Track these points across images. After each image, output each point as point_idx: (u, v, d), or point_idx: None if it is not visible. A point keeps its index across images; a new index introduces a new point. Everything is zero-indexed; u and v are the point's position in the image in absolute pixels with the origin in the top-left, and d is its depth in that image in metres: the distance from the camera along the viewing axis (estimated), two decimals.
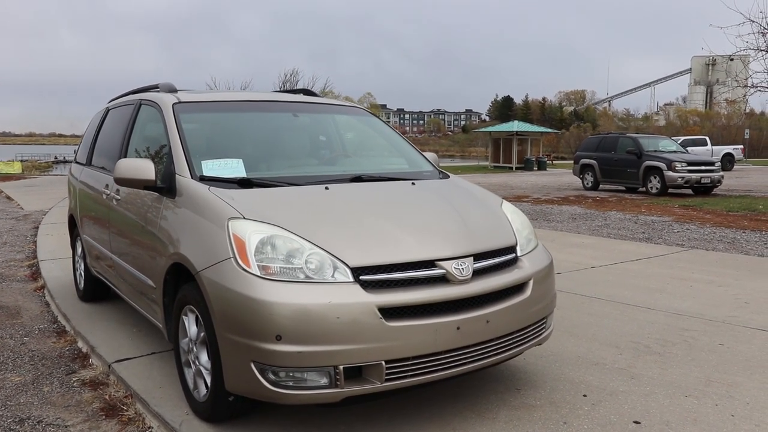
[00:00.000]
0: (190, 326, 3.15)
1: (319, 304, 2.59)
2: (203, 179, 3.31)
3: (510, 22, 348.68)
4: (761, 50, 16.19)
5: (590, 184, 19.69)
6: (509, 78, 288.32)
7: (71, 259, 6.07)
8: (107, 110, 5.25)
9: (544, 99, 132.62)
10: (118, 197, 4.14)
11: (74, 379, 3.96)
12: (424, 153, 4.46)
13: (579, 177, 20.25)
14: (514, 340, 3.10)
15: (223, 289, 2.74)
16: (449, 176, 4.09)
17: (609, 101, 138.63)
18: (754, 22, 16.24)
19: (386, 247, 2.85)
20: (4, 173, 33.65)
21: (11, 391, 3.78)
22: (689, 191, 17.49)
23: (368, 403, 3.01)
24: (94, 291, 5.40)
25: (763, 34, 16.07)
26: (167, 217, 3.37)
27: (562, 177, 27.72)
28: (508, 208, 3.65)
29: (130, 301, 4.23)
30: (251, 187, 3.26)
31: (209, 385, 2.98)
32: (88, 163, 5.30)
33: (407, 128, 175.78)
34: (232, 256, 2.77)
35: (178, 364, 3.36)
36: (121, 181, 3.49)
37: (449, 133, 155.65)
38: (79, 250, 5.59)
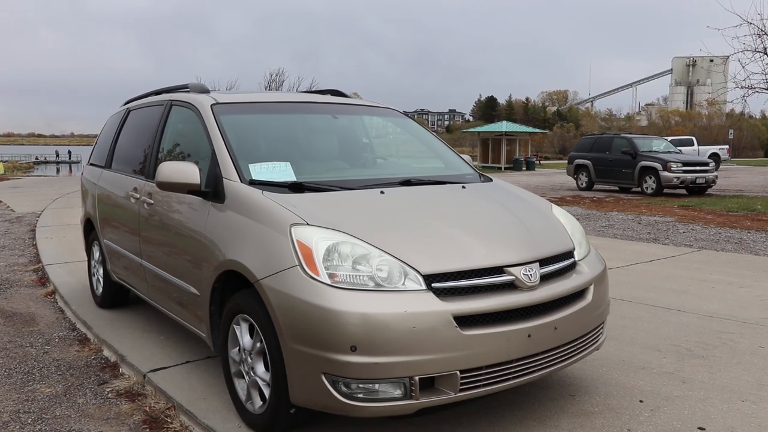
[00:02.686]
0: (243, 336, 3.04)
1: (395, 314, 2.51)
2: (253, 183, 3.21)
3: (493, 23, 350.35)
4: (758, 52, 16.36)
5: (585, 185, 19.76)
6: (492, 78, 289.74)
7: (86, 263, 5.92)
8: (128, 111, 5.11)
9: (527, 99, 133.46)
10: (150, 201, 4.01)
11: (108, 389, 3.83)
12: (461, 155, 4.39)
13: (573, 177, 20.31)
14: (578, 346, 3.04)
15: (290, 298, 2.64)
16: (491, 179, 4.02)
17: (591, 101, 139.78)
18: (751, 24, 16.41)
19: (456, 254, 2.78)
20: None
21: (45, 404, 3.65)
22: (683, 191, 17.61)
23: (435, 413, 2.92)
24: (114, 297, 5.26)
25: (760, 36, 16.24)
26: (214, 222, 3.26)
27: (552, 177, 27.82)
28: (559, 212, 3.60)
29: (163, 308, 4.10)
30: (303, 192, 3.16)
31: (268, 396, 2.88)
32: (108, 166, 5.16)
33: None
34: (297, 263, 2.67)
35: (227, 375, 3.25)
36: (164, 185, 3.37)
37: (434, 132, 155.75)
38: (97, 255, 5.44)
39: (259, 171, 3.29)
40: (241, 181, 3.22)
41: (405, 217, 3.02)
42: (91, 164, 5.71)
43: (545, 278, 2.93)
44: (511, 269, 2.80)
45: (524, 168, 35.52)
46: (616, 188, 19.44)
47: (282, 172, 3.31)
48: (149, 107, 4.61)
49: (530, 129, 43.27)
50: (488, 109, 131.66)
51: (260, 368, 2.95)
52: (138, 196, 4.23)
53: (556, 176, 27.81)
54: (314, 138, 3.97)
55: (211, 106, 3.72)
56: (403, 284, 2.63)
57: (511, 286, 2.79)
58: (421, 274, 2.65)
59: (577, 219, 11.61)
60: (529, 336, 2.73)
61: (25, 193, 19.19)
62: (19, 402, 3.67)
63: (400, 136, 4.47)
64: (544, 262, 2.96)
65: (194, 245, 3.42)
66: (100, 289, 5.37)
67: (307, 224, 2.78)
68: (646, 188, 17.44)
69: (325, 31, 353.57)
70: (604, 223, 11.21)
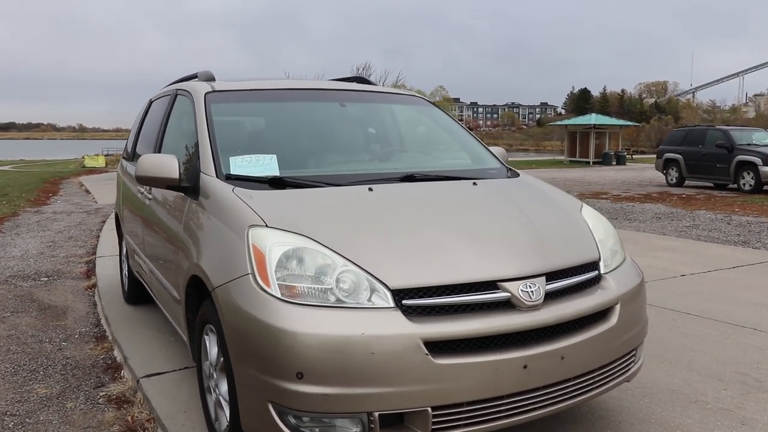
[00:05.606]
0: (212, 348, 2.73)
1: (348, 337, 2.10)
2: (229, 178, 2.88)
3: (586, 11, 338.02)
4: None
5: (674, 180, 18.37)
6: (586, 70, 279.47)
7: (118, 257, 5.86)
8: (150, 102, 4.95)
9: (623, 91, 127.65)
10: (150, 196, 3.79)
11: (101, 394, 3.64)
12: (490, 147, 3.88)
13: (662, 172, 18.94)
14: (594, 380, 2.51)
15: (238, 311, 2.29)
16: (519, 174, 3.51)
17: (693, 93, 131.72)
18: None
19: (436, 264, 2.32)
20: (89, 167, 34.89)
21: (34, 406, 3.49)
22: None
23: None
24: (137, 293, 5.12)
25: None
26: (189, 221, 2.97)
27: (643, 172, 26.20)
28: (589, 214, 3.04)
29: (162, 308, 3.88)
30: (284, 188, 2.80)
31: (228, 419, 2.55)
32: (131, 158, 5.02)
33: (480, 122, 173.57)
34: (250, 271, 2.31)
35: (201, 389, 2.95)
36: (143, 180, 3.10)
37: (524, 126, 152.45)
38: (124, 249, 5.34)
39: (240, 165, 2.95)
40: (217, 176, 2.90)
41: (387, 218, 2.58)
42: (123, 157, 5.61)
43: (553, 295, 2.42)
44: (507, 284, 2.32)
45: (614, 162, 33.77)
46: (711, 185, 17.95)
47: (265, 165, 2.96)
48: (162, 97, 4.41)
49: (621, 122, 41.06)
50: (581, 102, 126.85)
51: (223, 386, 2.61)
52: (143, 190, 4.02)
53: (647, 171, 26.12)
54: (314, 128, 3.59)
55: (205, 94, 3.43)
56: (369, 300, 2.21)
57: (507, 305, 2.31)
58: (389, 289, 2.22)
59: (659, 218, 10.75)
60: (525, 367, 2.24)
61: (114, 184, 19.98)
62: (12, 403, 3.54)
63: (423, 126, 4.03)
64: (553, 275, 2.46)
65: (174, 246, 3.15)
66: (126, 284, 5.26)
67: (266, 226, 2.41)
68: (744, 185, 15.95)
69: (414, 26, 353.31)
70: (689, 222, 10.21)
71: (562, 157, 38.47)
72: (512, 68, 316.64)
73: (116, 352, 4.31)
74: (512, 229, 2.64)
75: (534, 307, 2.32)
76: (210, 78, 3.81)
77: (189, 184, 3.07)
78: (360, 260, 2.28)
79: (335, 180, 2.91)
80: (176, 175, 3.04)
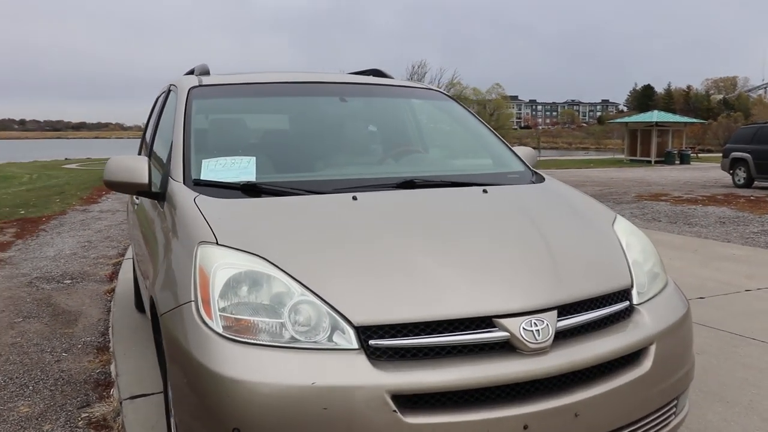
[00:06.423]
0: None
1: (296, 387, 1.69)
2: (198, 184, 2.51)
3: (650, 5, 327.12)
4: None
5: (742, 181, 17.18)
6: (649, 65, 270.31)
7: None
8: (156, 99, 4.67)
9: (688, 87, 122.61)
10: (137, 201, 3.48)
11: (83, 415, 3.36)
12: (516, 148, 3.40)
13: (729, 173, 17.77)
14: None
15: (177, 346, 1.92)
16: (544, 179, 3.01)
17: (765, 88, 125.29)
18: None
19: (416, 294, 1.88)
20: None
21: (10, 427, 3.24)
22: None
23: None
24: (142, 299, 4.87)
25: None
26: (156, 233, 2.63)
27: (708, 172, 24.80)
28: (624, 228, 2.53)
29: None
30: (258, 196, 2.41)
31: None
32: None
33: (539, 120, 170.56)
34: (193, 299, 1.93)
35: (167, 422, 2.60)
36: (111, 185, 2.77)
37: (584, 124, 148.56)
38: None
39: (213, 168, 2.58)
40: (184, 182, 2.54)
41: (365, 234, 2.16)
42: None
43: (566, 334, 1.95)
44: (505, 321, 1.85)
45: (677, 162, 32.18)
46: None
47: (241, 169, 2.58)
48: (162, 94, 4.12)
49: (684, 119, 39.21)
50: (644, 99, 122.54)
51: None
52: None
53: (713, 171, 24.72)
54: (308, 126, 3.18)
55: (189, 89, 3.09)
56: (329, 339, 1.79)
57: (505, 347, 1.85)
58: (353, 326, 1.79)
59: (723, 223, 9.90)
60: (525, 428, 1.78)
61: None
62: None
63: (438, 123, 3.57)
64: (567, 309, 1.98)
65: (146, 259, 2.82)
66: (135, 290, 5.02)
67: (217, 243, 2.02)
68: None
69: (473, 23, 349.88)
70: (756, 228, 9.34)
71: (623, 156, 36.98)
72: (573, 65, 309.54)
73: (113, 366, 4.04)
74: (519, 250, 2.16)
75: (540, 350, 1.85)
76: (204, 72, 3.47)
77: (161, 191, 2.72)
78: (322, 289, 1.86)
79: (319, 186, 2.51)
80: (145, 180, 2.69)
